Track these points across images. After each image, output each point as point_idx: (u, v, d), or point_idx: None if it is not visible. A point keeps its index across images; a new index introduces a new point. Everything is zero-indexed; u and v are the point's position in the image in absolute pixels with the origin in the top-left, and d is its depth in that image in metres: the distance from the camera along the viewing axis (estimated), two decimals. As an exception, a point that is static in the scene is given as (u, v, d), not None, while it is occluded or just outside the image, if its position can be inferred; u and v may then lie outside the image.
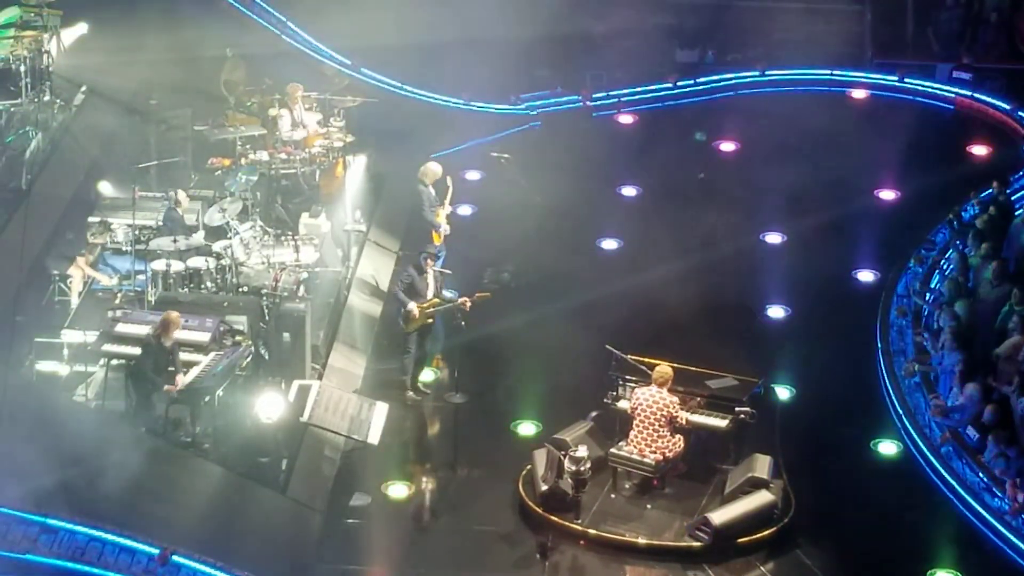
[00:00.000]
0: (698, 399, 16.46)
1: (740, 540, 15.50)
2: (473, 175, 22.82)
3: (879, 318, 19.28)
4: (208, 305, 17.77)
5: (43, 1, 21.84)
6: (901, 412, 17.59)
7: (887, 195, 22.71)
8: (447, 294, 18.49)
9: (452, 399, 18.01)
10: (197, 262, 18.51)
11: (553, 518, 15.73)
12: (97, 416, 16.35)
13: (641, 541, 15.55)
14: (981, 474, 16.24)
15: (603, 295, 19.81)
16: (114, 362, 16.82)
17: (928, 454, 16.90)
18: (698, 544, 15.45)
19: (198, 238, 19.06)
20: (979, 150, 23.87)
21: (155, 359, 16.23)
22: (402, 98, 24.88)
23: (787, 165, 22.93)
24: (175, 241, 18.55)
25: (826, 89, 25.69)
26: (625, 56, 26.00)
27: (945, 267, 20.12)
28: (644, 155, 23.66)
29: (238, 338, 17.37)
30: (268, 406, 16.23)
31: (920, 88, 25.48)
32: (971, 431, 16.87)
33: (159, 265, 18.43)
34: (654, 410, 15.95)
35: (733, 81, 25.92)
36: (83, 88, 22.34)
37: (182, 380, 16.24)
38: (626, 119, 25.30)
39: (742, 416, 16.17)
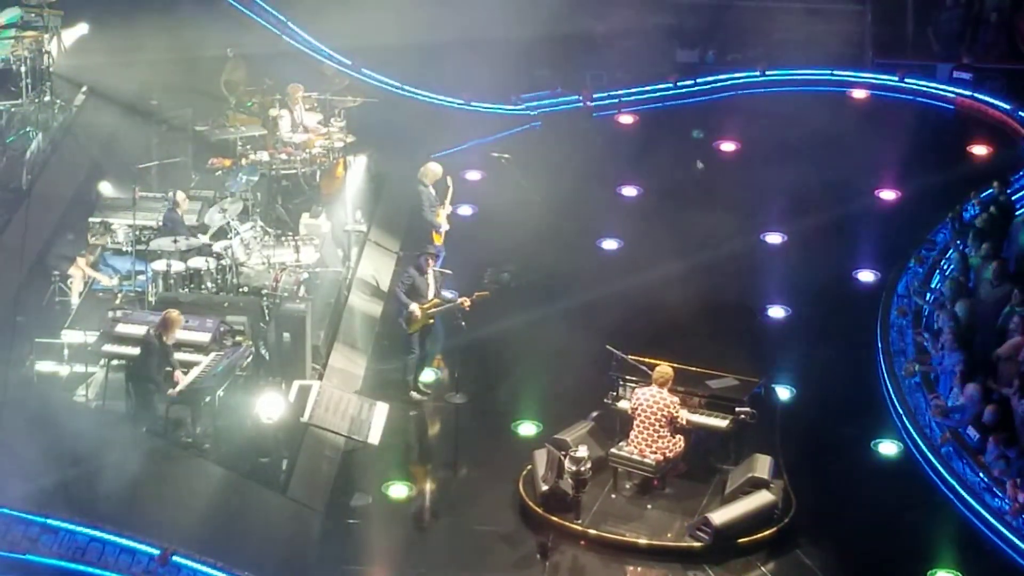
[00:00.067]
0: (698, 399, 16.45)
1: (740, 540, 15.49)
2: (473, 175, 22.81)
3: (879, 318, 19.26)
4: (208, 305, 17.78)
5: (44, 1, 21.84)
6: (901, 412, 17.58)
7: (887, 195, 22.69)
8: (446, 294, 18.48)
9: (452, 399, 17.99)
10: (197, 262, 18.51)
11: (553, 518, 15.72)
12: (97, 416, 16.34)
13: (641, 541, 15.54)
14: (981, 474, 16.24)
15: (603, 295, 19.80)
16: (114, 362, 16.82)
17: (928, 454, 16.88)
18: (698, 544, 15.45)
19: (203, 238, 19.06)
20: (979, 150, 23.85)
21: (157, 358, 16.23)
22: (402, 98, 24.87)
23: (787, 165, 22.89)
24: (175, 241, 18.55)
25: (826, 89, 25.67)
26: (625, 56, 25.99)
27: (945, 267, 20.12)
28: (644, 155, 23.65)
29: (238, 338, 17.39)
30: (268, 406, 16.21)
31: (920, 88, 25.45)
32: (971, 431, 16.86)
33: (159, 265, 18.43)
34: (654, 410, 15.94)
35: (733, 81, 25.90)
36: (84, 88, 22.36)
37: (181, 379, 16.25)
38: (626, 119, 25.29)
39: (742, 416, 16.16)
